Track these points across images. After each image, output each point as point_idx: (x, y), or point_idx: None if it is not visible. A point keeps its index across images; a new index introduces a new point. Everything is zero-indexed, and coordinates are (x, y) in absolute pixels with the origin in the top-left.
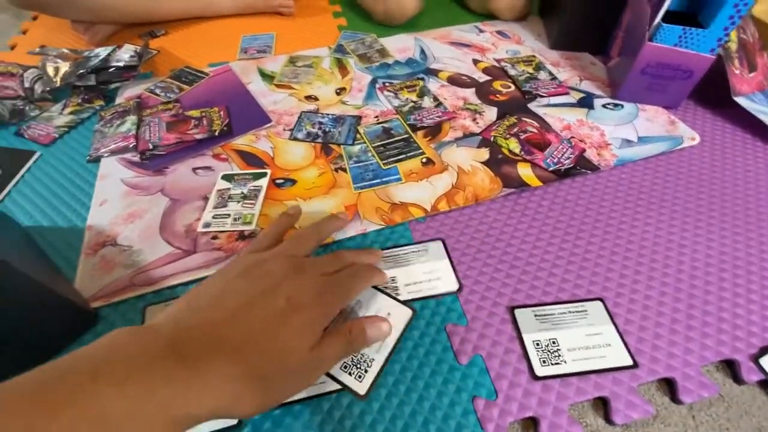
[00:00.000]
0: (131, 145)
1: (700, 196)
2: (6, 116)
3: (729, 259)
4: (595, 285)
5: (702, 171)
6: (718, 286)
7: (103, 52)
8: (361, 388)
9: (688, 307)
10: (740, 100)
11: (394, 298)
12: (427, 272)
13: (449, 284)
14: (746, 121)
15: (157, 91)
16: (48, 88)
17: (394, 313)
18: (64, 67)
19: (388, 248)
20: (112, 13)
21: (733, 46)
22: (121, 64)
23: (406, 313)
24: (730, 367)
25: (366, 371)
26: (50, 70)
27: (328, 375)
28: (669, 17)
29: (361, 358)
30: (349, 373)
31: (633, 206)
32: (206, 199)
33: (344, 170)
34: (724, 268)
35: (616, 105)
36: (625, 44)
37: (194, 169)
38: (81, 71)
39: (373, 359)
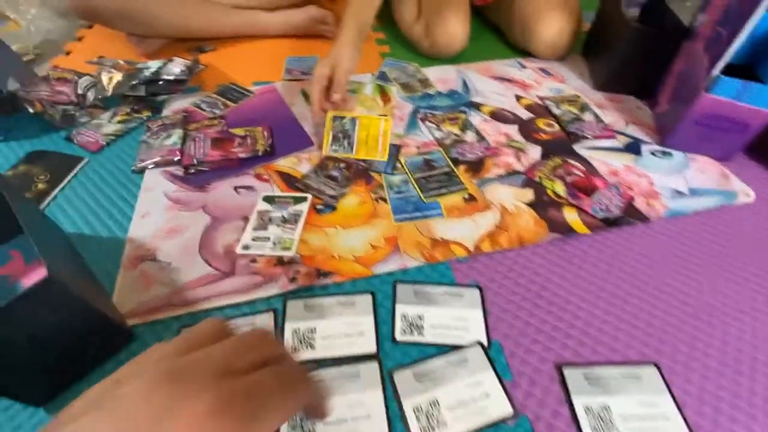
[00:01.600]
0: (176, 159)
1: (759, 258)
2: (57, 120)
3: None
4: (648, 347)
5: (759, 231)
6: None
7: (155, 65)
8: None
9: (750, 381)
10: None
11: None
12: (457, 318)
13: (477, 336)
14: None
15: (203, 106)
16: (100, 96)
17: (493, 394)
18: (117, 76)
19: (421, 283)
20: (166, 29)
21: None
22: (171, 77)
23: (507, 410)
24: None
25: None
26: (104, 79)
27: None
28: (726, 69)
29: None
30: None
31: (684, 263)
32: (246, 219)
33: (384, 200)
34: None
35: (665, 153)
36: (677, 92)
37: (236, 188)
38: (133, 82)
39: None
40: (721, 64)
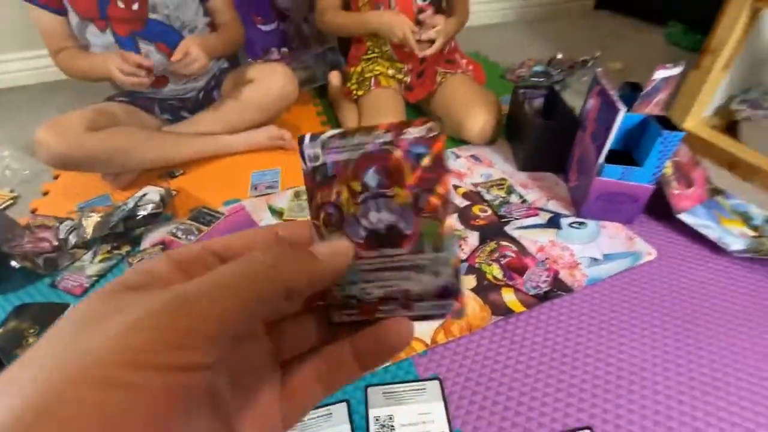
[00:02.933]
0: None
1: (664, 312)
2: (41, 267)
3: (709, 380)
4: (582, 412)
5: (662, 286)
6: (715, 406)
7: (131, 202)
8: None
9: (679, 425)
10: (683, 217)
11: None
12: (423, 413)
13: (441, 428)
14: (696, 232)
15: (179, 233)
16: (81, 239)
17: None
18: (96, 218)
19: (389, 384)
20: (140, 164)
21: (669, 171)
22: (146, 212)
23: None
24: None
25: None
26: (85, 224)
27: None
28: (611, 154)
29: None
30: None
31: (607, 326)
32: None
33: None
34: (707, 390)
35: (580, 223)
36: (580, 171)
37: None
38: (112, 222)
39: None
40: (603, 154)
